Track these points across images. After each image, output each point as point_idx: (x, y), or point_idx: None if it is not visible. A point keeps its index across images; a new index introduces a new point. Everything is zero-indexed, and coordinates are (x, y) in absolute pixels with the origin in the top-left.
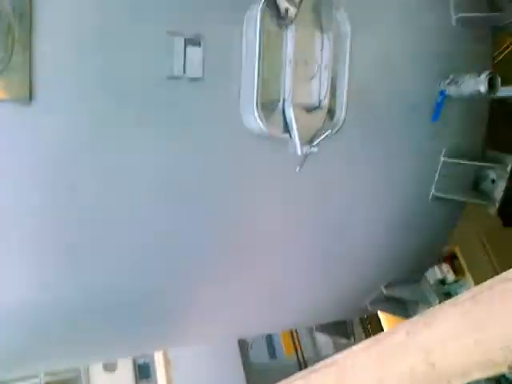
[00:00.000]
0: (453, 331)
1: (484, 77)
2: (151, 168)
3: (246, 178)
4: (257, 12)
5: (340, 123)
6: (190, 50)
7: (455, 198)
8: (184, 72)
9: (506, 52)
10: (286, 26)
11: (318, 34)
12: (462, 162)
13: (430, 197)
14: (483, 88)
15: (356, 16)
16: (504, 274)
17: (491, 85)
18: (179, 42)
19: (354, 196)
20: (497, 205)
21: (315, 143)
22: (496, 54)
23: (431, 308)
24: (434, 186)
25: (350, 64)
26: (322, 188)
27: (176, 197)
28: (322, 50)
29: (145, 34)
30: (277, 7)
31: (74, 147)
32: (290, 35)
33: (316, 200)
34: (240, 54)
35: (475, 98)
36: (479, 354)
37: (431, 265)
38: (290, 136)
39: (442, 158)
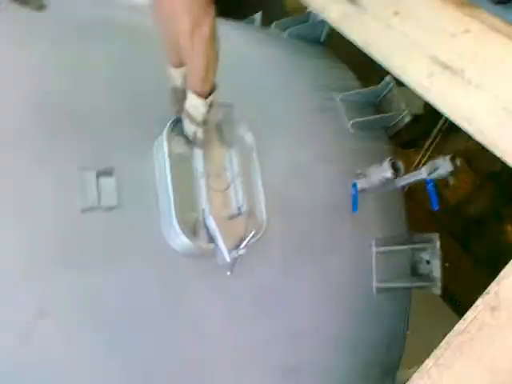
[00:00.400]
0: None
1: (387, 163)
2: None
3: (180, 299)
4: (163, 139)
5: (263, 226)
6: (103, 180)
7: (399, 285)
8: (99, 203)
9: None
10: (194, 146)
11: (224, 148)
12: (392, 248)
13: (374, 290)
14: (389, 173)
15: (262, 129)
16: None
17: (395, 169)
18: (91, 176)
19: (295, 304)
20: (439, 284)
21: (242, 246)
22: None
23: None
24: (374, 278)
25: (264, 172)
26: (260, 298)
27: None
28: (231, 162)
29: (56, 172)
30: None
31: None
32: (199, 153)
33: (257, 312)
34: (154, 177)
35: (387, 185)
36: None
37: None
38: (216, 245)
39: (374, 249)
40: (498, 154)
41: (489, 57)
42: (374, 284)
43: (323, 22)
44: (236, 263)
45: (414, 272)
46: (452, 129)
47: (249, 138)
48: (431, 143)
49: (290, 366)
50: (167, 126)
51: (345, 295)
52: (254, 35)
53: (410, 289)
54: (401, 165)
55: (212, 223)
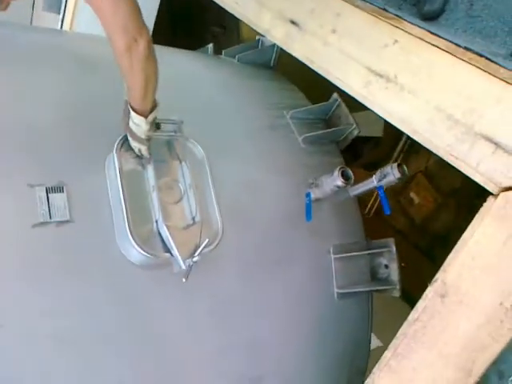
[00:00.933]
0: None
1: (337, 172)
2: None
3: (137, 311)
4: (113, 154)
5: (219, 235)
6: (53, 196)
7: (359, 289)
8: (50, 218)
9: None
10: (143, 161)
11: (175, 162)
12: (350, 254)
13: (336, 296)
14: (339, 182)
15: (214, 145)
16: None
17: (346, 177)
18: (41, 192)
19: (255, 315)
20: (398, 287)
21: (197, 253)
22: None
23: None
24: (335, 284)
25: (217, 184)
26: (218, 308)
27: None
28: (182, 175)
29: (6, 190)
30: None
31: None
32: (149, 167)
33: (215, 322)
34: (107, 192)
35: (340, 194)
36: None
37: None
38: (171, 254)
39: (332, 256)
40: (433, 149)
41: (418, 64)
42: (335, 290)
43: (272, 47)
44: (191, 271)
45: (374, 277)
46: (412, 150)
47: (199, 152)
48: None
49: (253, 377)
50: (117, 142)
51: (306, 303)
52: (206, 61)
53: (370, 293)
54: (351, 173)
55: (165, 232)
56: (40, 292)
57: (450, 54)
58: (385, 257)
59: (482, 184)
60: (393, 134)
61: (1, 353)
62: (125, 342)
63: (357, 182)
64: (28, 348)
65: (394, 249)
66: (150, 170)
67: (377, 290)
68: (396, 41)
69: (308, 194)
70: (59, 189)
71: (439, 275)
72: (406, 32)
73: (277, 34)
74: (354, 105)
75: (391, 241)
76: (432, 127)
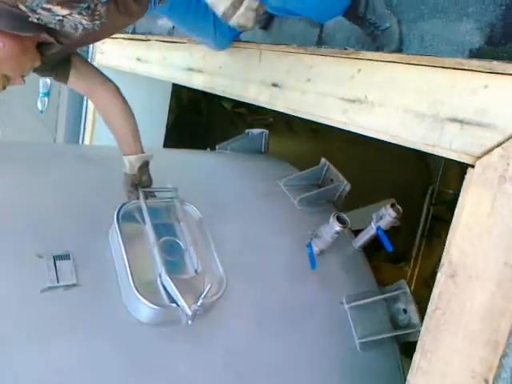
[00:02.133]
0: None
1: (332, 218)
2: None
3: (147, 370)
4: (114, 221)
5: (224, 283)
6: (60, 263)
7: (381, 336)
8: (58, 281)
9: None
10: (144, 222)
11: (174, 223)
12: (365, 301)
13: (358, 347)
14: (337, 227)
15: (215, 210)
16: None
17: (342, 222)
18: (49, 260)
19: (272, 370)
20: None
21: (202, 296)
22: None
23: None
24: (355, 335)
25: (219, 241)
26: (231, 363)
27: None
28: (182, 234)
29: (15, 261)
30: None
31: None
32: (148, 227)
33: (230, 378)
34: (111, 255)
35: (344, 246)
36: None
37: None
38: (177, 304)
39: (346, 306)
40: (411, 145)
41: (381, 80)
42: (357, 341)
43: (261, 135)
44: (205, 328)
45: (396, 326)
46: (434, 233)
47: (195, 213)
48: (418, 251)
49: None
50: (116, 210)
51: (328, 357)
52: (202, 155)
53: (395, 341)
54: (346, 217)
55: (169, 282)
56: (51, 352)
57: (403, 63)
58: (401, 301)
59: (459, 160)
60: (410, 220)
61: None
62: None
63: (388, 277)
64: None
65: (407, 290)
66: (150, 229)
67: (400, 336)
68: (359, 69)
69: (309, 244)
70: (66, 256)
71: (444, 258)
72: (366, 59)
73: (263, 98)
74: None
75: (403, 283)
76: (405, 128)
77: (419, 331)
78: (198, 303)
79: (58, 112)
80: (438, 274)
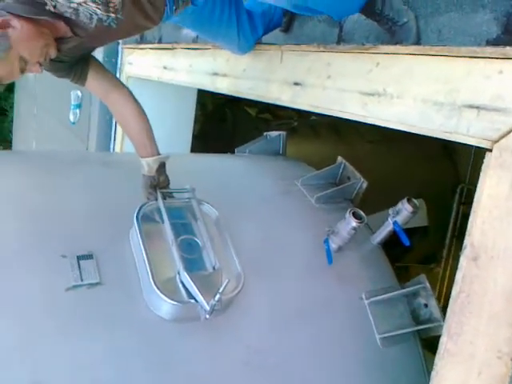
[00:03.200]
0: None
1: (348, 214)
2: None
3: (168, 365)
4: (134, 221)
5: (242, 278)
6: (84, 262)
7: (402, 331)
8: (81, 280)
9: None
10: (163, 222)
11: (192, 222)
12: (385, 297)
13: (379, 343)
14: (353, 223)
15: (230, 207)
16: None
17: (358, 217)
18: (73, 260)
19: (291, 366)
20: (443, 323)
21: (220, 291)
22: None
23: None
24: (375, 330)
25: (235, 239)
26: (250, 359)
27: None
28: (199, 232)
29: (41, 261)
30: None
31: None
32: (167, 227)
33: (255, 372)
34: (132, 255)
35: (362, 243)
36: None
37: None
38: (196, 300)
39: (366, 301)
40: (429, 134)
41: (399, 73)
42: (377, 336)
43: (278, 137)
44: (224, 322)
45: (417, 321)
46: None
47: (213, 212)
48: (449, 251)
49: None
50: (136, 211)
51: (348, 352)
52: (222, 158)
53: (417, 337)
54: (362, 213)
55: (187, 279)
56: (76, 348)
57: (420, 54)
58: (421, 295)
59: (477, 145)
60: (439, 220)
61: None
62: None
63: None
64: None
65: (427, 284)
66: (168, 229)
67: (422, 330)
68: (377, 63)
69: (326, 240)
70: (89, 256)
71: (466, 241)
72: (383, 53)
73: (285, 97)
74: None
75: (423, 277)
76: (424, 117)
77: (441, 326)
78: (216, 298)
79: (90, 123)
80: (461, 258)
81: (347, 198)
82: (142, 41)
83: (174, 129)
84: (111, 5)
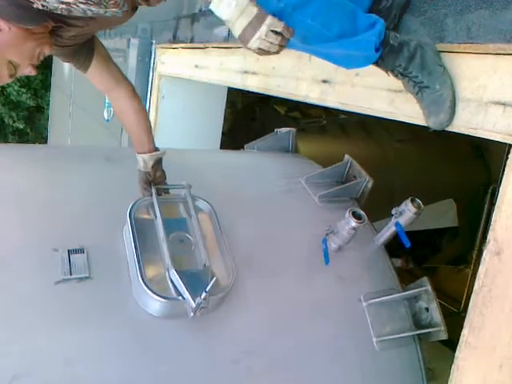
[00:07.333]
0: None
1: (347, 213)
2: None
3: (158, 360)
4: (127, 217)
5: (232, 277)
6: (74, 256)
7: (399, 335)
8: (71, 274)
9: None
10: (156, 217)
11: (187, 218)
12: (384, 299)
13: (376, 346)
14: (353, 223)
15: (228, 203)
16: None
17: (358, 217)
18: (64, 253)
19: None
20: (443, 328)
21: (207, 289)
22: None
23: None
24: (372, 334)
25: (230, 236)
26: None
27: None
28: (192, 229)
29: (32, 254)
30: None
31: None
32: (159, 223)
33: (244, 371)
34: (124, 251)
35: (365, 244)
36: None
37: None
38: (183, 298)
39: (364, 303)
40: (454, 130)
41: None
42: (374, 340)
43: (288, 133)
44: (202, 309)
45: (418, 325)
46: None
47: (206, 207)
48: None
49: None
50: (130, 206)
51: (342, 354)
52: (228, 154)
53: (417, 341)
54: (362, 212)
55: (175, 276)
56: (64, 342)
57: (447, 51)
58: (423, 299)
59: (502, 141)
60: (470, 221)
61: None
62: None
63: (447, 280)
64: None
65: (429, 287)
66: (160, 225)
67: (421, 335)
68: None
69: (324, 240)
70: (80, 250)
71: (490, 235)
72: None
73: (314, 94)
74: None
75: (425, 280)
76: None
77: (441, 331)
78: (202, 296)
79: None
80: (484, 252)
81: (353, 197)
82: (175, 40)
83: (205, 126)
84: (111, 2)
